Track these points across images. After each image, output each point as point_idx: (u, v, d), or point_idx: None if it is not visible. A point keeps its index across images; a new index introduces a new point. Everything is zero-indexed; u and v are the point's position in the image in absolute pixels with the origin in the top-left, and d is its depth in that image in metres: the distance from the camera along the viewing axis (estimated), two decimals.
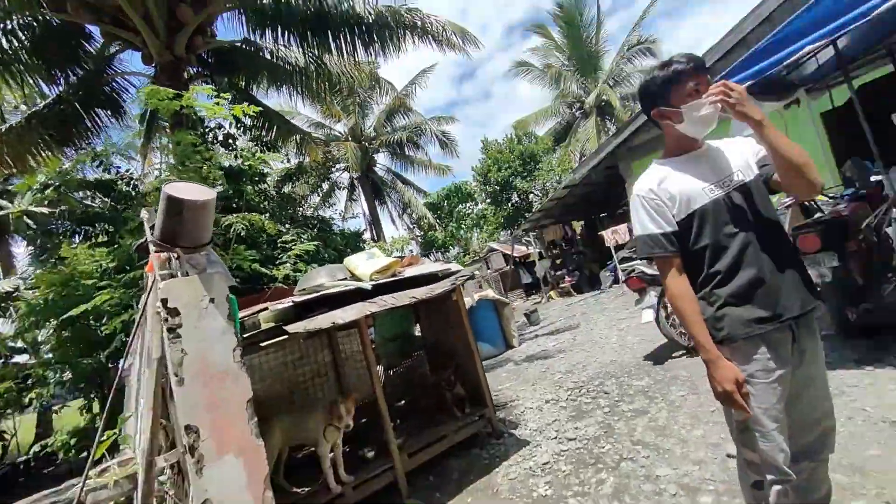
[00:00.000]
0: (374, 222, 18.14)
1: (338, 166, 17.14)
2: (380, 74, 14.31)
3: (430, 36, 10.10)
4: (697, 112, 1.36)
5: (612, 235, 9.34)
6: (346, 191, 18.74)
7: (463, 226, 22.72)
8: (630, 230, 9.06)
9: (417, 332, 4.87)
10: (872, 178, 4.24)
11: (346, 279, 3.42)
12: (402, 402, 4.36)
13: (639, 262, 4.77)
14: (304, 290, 3.31)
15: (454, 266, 3.92)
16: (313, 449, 3.00)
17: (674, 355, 4.21)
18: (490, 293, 7.25)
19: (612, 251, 9.85)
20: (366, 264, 3.45)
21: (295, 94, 9.03)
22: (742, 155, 1.45)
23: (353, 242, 8.49)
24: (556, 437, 3.33)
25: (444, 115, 18.03)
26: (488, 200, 19.81)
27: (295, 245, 5.32)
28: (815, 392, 1.41)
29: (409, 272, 3.69)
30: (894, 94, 4.69)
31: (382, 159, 19.16)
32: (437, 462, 3.38)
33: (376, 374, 3.25)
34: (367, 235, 17.00)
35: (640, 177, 1.51)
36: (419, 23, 8.30)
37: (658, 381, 3.76)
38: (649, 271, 4.38)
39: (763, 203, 1.40)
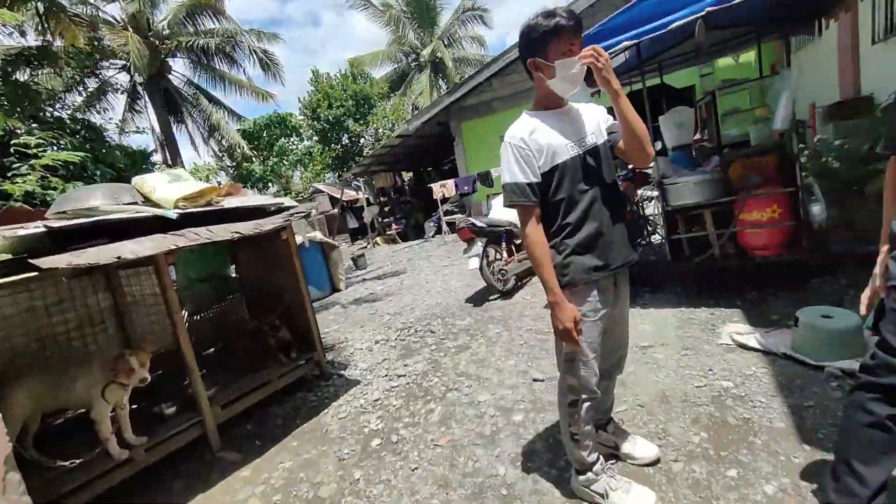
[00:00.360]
0: (168, 142, 14.71)
1: (112, 62, 12.99)
2: None
3: None
4: (569, 70, 1.42)
5: (441, 189, 9.85)
6: (127, 97, 14.52)
7: (286, 161, 20.56)
8: (457, 185, 9.67)
9: (233, 272, 4.22)
10: (630, 166, 5.48)
11: (136, 204, 2.64)
12: (212, 349, 3.78)
13: (463, 215, 5.14)
14: (63, 212, 2.43)
15: (287, 200, 3.46)
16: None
17: (490, 298, 4.77)
18: (318, 235, 6.81)
19: (439, 203, 10.40)
20: (168, 188, 2.72)
21: None
22: (595, 120, 1.59)
23: (140, 163, 6.69)
24: (386, 375, 3.41)
25: (264, 31, 15.18)
26: (316, 138, 18.28)
27: (44, 153, 3.83)
28: (621, 327, 1.75)
29: (230, 203, 3.08)
30: (657, 102, 6.06)
31: (181, 67, 15.46)
32: (258, 410, 3.09)
33: (180, 318, 2.67)
34: (157, 158, 13.74)
35: (513, 125, 1.54)
36: None
37: (478, 320, 4.20)
38: (479, 223, 4.75)
39: (608, 165, 1.56)
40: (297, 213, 3.12)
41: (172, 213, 2.48)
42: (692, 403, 2.23)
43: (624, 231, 1.60)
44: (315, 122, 17.30)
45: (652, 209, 4.85)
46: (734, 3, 2.65)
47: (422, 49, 20.27)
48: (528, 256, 1.54)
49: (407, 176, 17.55)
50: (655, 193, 4.03)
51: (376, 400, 3.03)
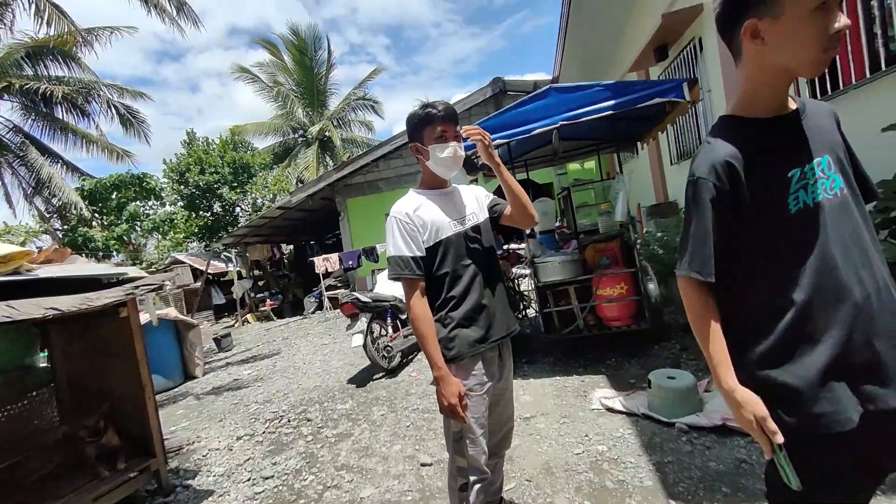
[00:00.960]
0: None
1: None
2: None
3: None
4: (441, 153, 1.57)
5: (323, 262, 9.47)
6: None
7: (139, 228, 17.90)
8: (341, 259, 9.44)
9: (41, 361, 3.29)
10: (504, 246, 6.07)
11: None
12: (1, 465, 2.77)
13: (347, 290, 4.97)
14: None
15: (133, 270, 2.94)
16: None
17: (375, 377, 4.49)
18: (172, 312, 5.84)
19: (321, 278, 9.95)
20: None
21: None
22: (477, 200, 1.73)
23: None
24: (248, 479, 2.85)
25: (128, 88, 13.87)
26: (181, 203, 16.50)
27: None
28: (507, 399, 1.74)
29: (48, 271, 2.50)
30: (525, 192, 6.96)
31: (7, 111, 13.00)
32: None
33: None
34: None
35: (399, 200, 1.62)
36: None
37: (361, 402, 3.88)
38: (363, 298, 4.60)
39: (488, 241, 1.67)
40: (146, 285, 2.64)
41: None
42: (574, 472, 2.28)
43: (505, 302, 1.67)
44: (182, 187, 15.70)
45: (525, 285, 5.30)
46: (578, 120, 3.29)
47: (310, 126, 20.56)
48: (413, 330, 1.54)
49: (287, 249, 16.63)
50: (528, 271, 4.43)
51: None
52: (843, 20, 0.85)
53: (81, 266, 2.80)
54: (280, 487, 2.69)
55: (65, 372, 3.15)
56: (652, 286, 3.85)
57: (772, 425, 0.89)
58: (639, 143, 4.72)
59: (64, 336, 3.15)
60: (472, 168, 5.26)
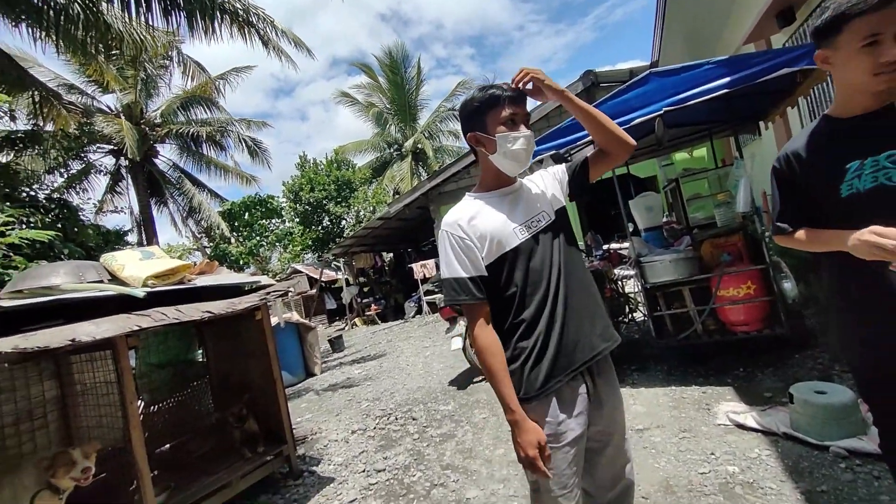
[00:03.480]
0: (145, 223, 14.60)
1: (99, 146, 13.32)
2: (183, 51, 12.06)
3: (255, 31, 9.13)
4: (511, 144, 1.27)
5: (421, 269, 9.89)
6: (110, 179, 14.67)
7: (265, 242, 20.56)
8: (437, 265, 9.76)
9: (199, 356, 3.93)
10: (604, 246, 5.72)
11: (101, 282, 2.50)
12: (168, 445, 3.37)
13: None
14: (18, 291, 2.27)
15: (264, 279, 3.37)
16: None
17: (475, 380, 4.54)
18: (294, 316, 6.57)
19: (419, 283, 10.38)
20: (139, 265, 2.62)
21: (44, 38, 6.49)
22: (546, 189, 1.41)
23: (114, 243, 6.53)
24: (363, 471, 3.07)
25: (254, 119, 16.02)
26: (297, 219, 18.57)
27: (11, 231, 3.69)
28: (613, 451, 1.36)
29: (203, 281, 2.97)
30: (623, 188, 6.51)
31: (168, 152, 15.90)
32: None
33: (134, 410, 2.40)
34: (132, 238, 13.56)
35: (451, 210, 1.35)
36: (242, 11, 7.32)
37: (462, 405, 3.95)
38: None
39: (567, 237, 1.36)
40: (275, 291, 3.02)
41: (140, 292, 2.35)
42: (699, 493, 2.05)
43: (594, 317, 1.33)
44: (297, 205, 17.69)
45: (631, 287, 4.93)
46: (686, 104, 2.98)
47: (403, 141, 21.74)
48: (480, 365, 1.26)
49: (387, 257, 17.70)
50: (632, 272, 4.13)
51: (352, 501, 2.70)
52: (890, 54, 1.05)
53: (226, 276, 3.30)
54: (391, 481, 2.85)
55: (216, 366, 3.72)
56: (788, 285, 3.31)
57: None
58: (762, 123, 4.10)
59: (214, 336, 3.73)
60: (558, 160, 5.09)
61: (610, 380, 1.36)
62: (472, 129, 1.33)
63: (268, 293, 2.94)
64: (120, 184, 15.06)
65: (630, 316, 4.66)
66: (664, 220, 4.75)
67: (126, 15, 6.73)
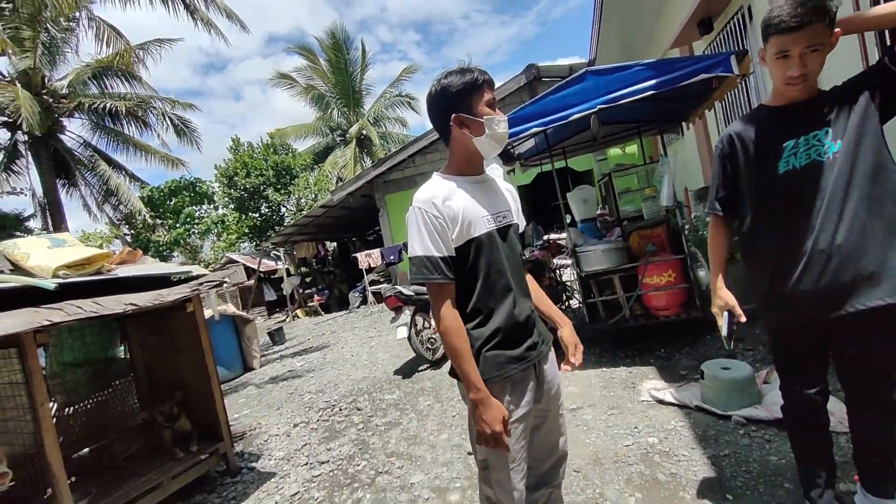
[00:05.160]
0: (51, 206, 12.99)
1: None
2: (95, 13, 10.75)
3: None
4: (498, 127, 1.32)
5: (366, 258, 9.75)
6: (4, 155, 12.85)
7: (195, 230, 19.13)
8: (382, 255, 9.66)
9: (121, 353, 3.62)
10: (545, 237, 5.99)
11: (1, 272, 2.23)
12: (88, 449, 3.10)
13: (390, 284, 5.11)
14: None
15: (196, 269, 3.17)
16: None
17: (420, 368, 4.60)
18: (230, 308, 6.23)
19: (364, 273, 10.23)
20: (48, 254, 2.37)
21: None
22: (513, 198, 1.50)
23: (11, 228, 5.77)
24: (306, 463, 3.03)
25: (180, 100, 14.71)
26: (232, 206, 17.47)
27: None
28: (550, 426, 1.46)
29: (125, 271, 2.74)
30: (563, 181, 6.82)
31: (78, 128, 14.23)
32: None
33: (45, 413, 2.19)
34: (35, 224, 12.06)
35: (423, 186, 1.34)
36: None
37: (408, 393, 3.99)
38: (406, 291, 4.71)
39: (518, 244, 1.44)
40: (208, 282, 2.85)
41: (50, 284, 2.12)
42: (624, 463, 2.25)
43: (537, 313, 1.46)
44: (231, 190, 16.62)
45: (567, 276, 5.22)
46: (618, 102, 3.18)
47: (348, 126, 21.07)
48: (444, 345, 1.28)
49: (331, 246, 17.21)
50: (570, 261, 4.37)
51: (294, 494, 2.66)
52: (794, 71, 1.32)
53: (151, 266, 3.06)
54: (335, 472, 2.84)
55: (142, 363, 3.45)
56: (703, 273, 3.68)
57: (736, 310, 1.55)
58: (684, 124, 4.48)
59: (140, 330, 3.45)
60: (508, 158, 5.21)
61: (551, 363, 1.47)
62: (455, 111, 1.32)
63: (200, 283, 2.77)
64: (17, 161, 13.24)
65: (567, 303, 4.94)
66: (598, 212, 5.06)
67: None
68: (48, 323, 1.91)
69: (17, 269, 2.25)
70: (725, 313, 1.56)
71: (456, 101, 1.32)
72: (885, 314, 1.31)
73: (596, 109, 3.22)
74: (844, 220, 1.32)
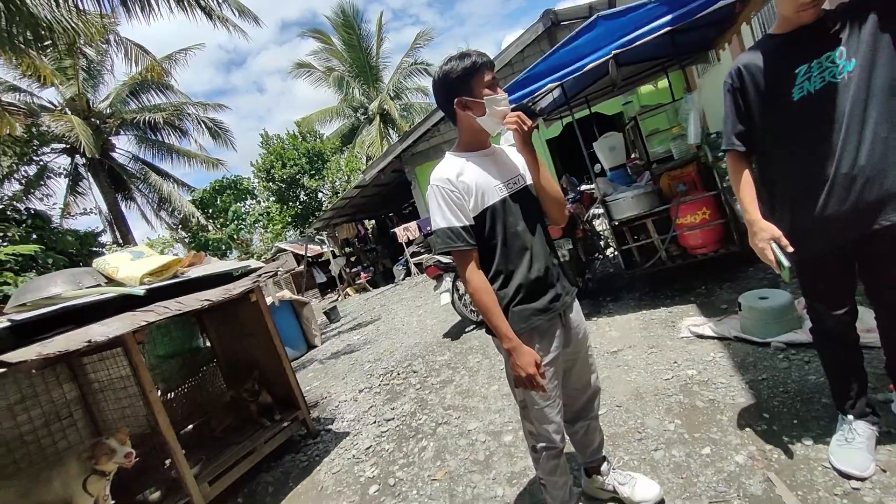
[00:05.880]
0: (116, 220, 14.25)
1: (52, 147, 12.69)
2: (122, 35, 11.29)
3: (196, 2, 8.60)
4: (497, 106, 1.42)
5: (404, 232, 10.04)
6: (69, 180, 14.08)
7: (243, 225, 20.27)
8: (419, 227, 9.90)
9: (203, 344, 4.12)
10: (580, 188, 5.92)
11: (99, 286, 2.63)
12: (190, 427, 3.64)
13: (430, 254, 5.32)
14: (22, 305, 2.39)
15: (253, 262, 3.51)
16: None
17: (466, 330, 4.86)
18: (287, 294, 6.75)
19: (404, 246, 10.56)
20: (132, 265, 2.73)
21: None
22: (520, 160, 1.57)
23: (90, 245, 6.48)
24: (374, 422, 3.39)
25: (210, 102, 15.32)
26: (273, 198, 18.26)
27: None
28: (581, 366, 1.64)
29: (195, 272, 3.11)
30: (588, 130, 6.63)
31: (125, 144, 15.24)
32: (248, 481, 2.99)
33: (155, 397, 2.61)
34: (106, 238, 13.28)
35: (438, 166, 1.47)
36: None
37: (457, 353, 4.27)
38: (444, 260, 4.92)
39: (536, 204, 1.55)
40: (265, 273, 3.18)
41: (140, 290, 2.49)
42: (663, 395, 2.39)
43: (560, 267, 1.57)
44: (270, 183, 17.36)
45: (600, 225, 5.21)
46: (633, 45, 3.09)
47: (368, 103, 21.05)
48: (475, 304, 1.43)
49: (370, 224, 17.72)
50: (601, 211, 4.37)
51: (368, 448, 3.02)
52: None
53: (215, 265, 3.43)
54: (401, 426, 3.17)
55: (221, 350, 3.93)
56: (739, 207, 3.59)
57: (782, 241, 1.46)
58: (711, 52, 4.23)
59: (215, 322, 3.90)
60: (531, 115, 5.15)
61: (576, 311, 1.62)
62: (458, 94, 1.43)
63: (259, 276, 3.10)
64: (81, 184, 14.48)
65: (603, 253, 4.96)
66: (631, 157, 4.95)
67: (52, 1, 6.30)
68: (145, 323, 2.27)
69: (111, 281, 2.64)
70: (773, 244, 1.47)
71: (457, 85, 1.42)
72: None
73: (611, 55, 3.15)
74: (865, 139, 1.33)
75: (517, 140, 1.46)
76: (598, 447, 1.80)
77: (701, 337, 2.87)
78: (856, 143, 1.33)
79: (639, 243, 3.87)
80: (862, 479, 1.49)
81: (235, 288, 2.92)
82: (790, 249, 1.45)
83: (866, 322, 1.65)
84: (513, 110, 1.47)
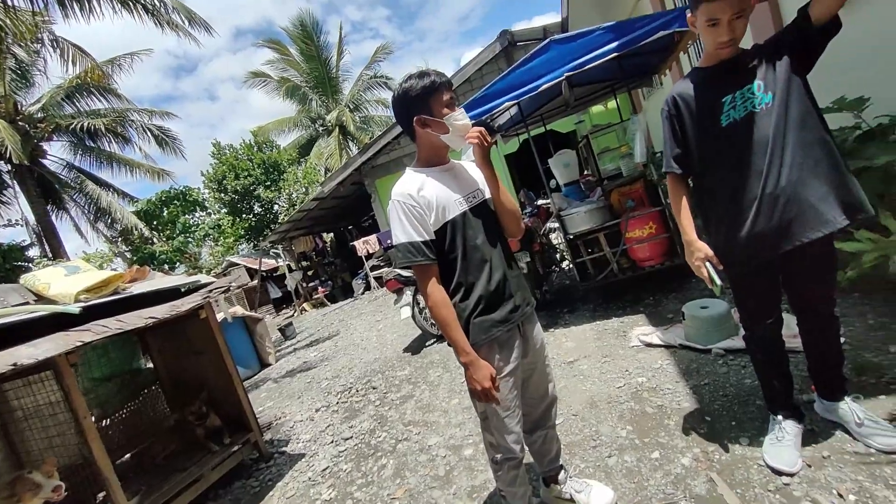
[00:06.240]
0: (46, 233, 13.08)
1: None
2: (57, 34, 10.56)
3: (141, 6, 8.23)
4: (459, 121, 1.45)
5: (364, 245, 9.91)
6: None
7: (192, 238, 19.23)
8: (379, 240, 9.82)
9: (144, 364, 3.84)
10: (537, 202, 6.13)
11: (26, 304, 2.41)
12: (128, 455, 3.36)
13: (390, 268, 5.28)
14: None
15: (203, 277, 3.35)
16: None
17: (427, 344, 4.84)
18: (239, 310, 6.45)
19: (364, 260, 10.42)
20: (66, 281, 2.54)
21: None
22: (478, 175, 1.61)
23: (16, 259, 5.91)
24: (332, 441, 3.29)
25: (156, 109, 14.53)
26: (224, 210, 17.49)
27: None
28: (538, 376, 1.69)
29: (139, 288, 2.92)
30: (543, 146, 6.89)
31: (59, 150, 14.14)
32: None
33: (89, 424, 2.40)
34: (34, 252, 12.18)
35: (399, 182, 1.50)
36: None
37: (418, 367, 4.24)
38: (405, 273, 4.90)
39: (494, 218, 1.58)
40: (216, 288, 3.03)
41: (75, 308, 2.30)
42: (616, 403, 2.49)
43: (519, 279, 1.60)
44: (222, 195, 16.63)
45: (556, 239, 5.40)
46: (583, 68, 3.28)
47: (327, 114, 20.81)
48: (434, 317, 1.45)
49: (328, 237, 17.35)
50: (557, 225, 4.54)
51: (325, 469, 2.91)
52: (724, 37, 1.47)
53: (161, 280, 3.24)
54: (359, 445, 3.09)
55: (165, 370, 3.68)
56: None
57: (714, 260, 1.64)
58: (654, 77, 4.56)
59: (159, 341, 3.66)
60: (490, 131, 5.29)
61: (533, 322, 1.66)
62: (418, 112, 1.46)
63: (210, 291, 2.96)
64: (5, 192, 13.23)
65: (560, 265, 5.13)
66: (584, 173, 5.19)
67: None
68: (80, 343, 2.09)
69: (41, 298, 2.43)
70: (707, 263, 1.64)
71: (417, 103, 1.45)
72: (823, 243, 1.50)
73: (563, 77, 3.32)
74: (785, 163, 1.48)
75: (477, 155, 1.51)
76: (556, 456, 1.84)
77: (649, 345, 3.02)
78: (778, 166, 1.48)
79: (592, 256, 4.05)
80: (791, 475, 1.61)
81: (183, 304, 2.76)
82: (720, 267, 1.64)
83: (791, 328, 1.80)
84: (473, 126, 1.51)
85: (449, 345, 1.52)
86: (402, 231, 1.44)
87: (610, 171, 4.85)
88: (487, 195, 1.58)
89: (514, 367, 1.53)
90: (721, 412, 2.11)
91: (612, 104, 8.09)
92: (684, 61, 6.21)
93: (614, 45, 3.12)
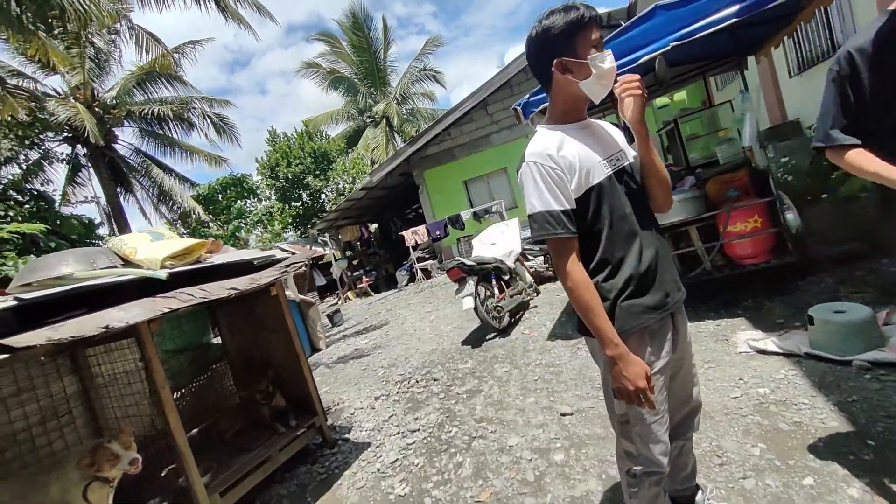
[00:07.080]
0: (115, 213, 13.88)
1: (51, 134, 12.37)
2: (133, 20, 11.08)
3: None
4: (605, 64, 1.21)
5: (412, 235, 9.82)
6: (68, 169, 13.75)
7: (245, 224, 19.97)
8: (428, 231, 9.68)
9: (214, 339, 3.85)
10: None
11: (114, 267, 2.38)
12: (195, 430, 3.35)
13: (434, 260, 5.03)
14: (28, 284, 2.14)
15: (277, 252, 3.28)
16: None
17: (487, 338, 4.62)
18: (292, 293, 6.48)
19: (411, 250, 10.33)
20: (152, 247, 2.49)
21: None
22: (618, 136, 1.38)
23: (90, 234, 6.20)
24: (398, 433, 3.13)
25: (216, 98, 15.10)
26: (275, 196, 18.01)
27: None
28: (684, 375, 1.44)
29: (218, 259, 2.87)
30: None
31: (128, 136, 14.97)
32: (260, 494, 2.72)
33: (167, 395, 2.35)
34: (103, 231, 12.95)
35: (532, 141, 1.29)
36: None
37: (481, 361, 4.02)
38: (468, 262, 4.69)
39: (639, 187, 1.34)
40: (294, 263, 2.93)
41: (162, 274, 2.24)
42: (736, 415, 2.16)
43: (671, 261, 1.37)
44: (274, 181, 17.11)
45: None
46: (692, 38, 2.91)
47: (374, 106, 20.97)
48: (573, 301, 1.22)
49: (373, 227, 17.49)
50: None
51: (394, 461, 2.75)
52: None
53: (237, 253, 3.18)
54: (428, 439, 2.91)
55: (234, 346, 3.66)
56: (791, 216, 3.41)
57: None
58: (753, 56, 4.06)
59: (228, 315, 3.64)
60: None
61: (683, 311, 1.40)
62: (559, 54, 1.23)
63: (287, 266, 2.86)
64: (80, 173, 14.15)
65: None
66: (666, 163, 4.77)
67: None
68: (168, 310, 2.02)
69: (127, 263, 2.39)
70: None
71: (559, 43, 1.22)
72: None
73: (668, 47, 2.96)
74: None
75: (634, 110, 1.23)
76: (692, 473, 1.58)
77: (763, 352, 2.65)
78: None
79: (680, 251, 3.67)
80: None
81: (262, 278, 2.67)
82: None
83: None
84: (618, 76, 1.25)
85: (584, 334, 1.31)
86: (539, 198, 1.23)
87: (696, 159, 4.42)
88: (630, 160, 1.34)
89: (666, 364, 1.29)
90: (888, 436, 1.75)
91: (678, 95, 7.55)
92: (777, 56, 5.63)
93: (735, 8, 2.73)
